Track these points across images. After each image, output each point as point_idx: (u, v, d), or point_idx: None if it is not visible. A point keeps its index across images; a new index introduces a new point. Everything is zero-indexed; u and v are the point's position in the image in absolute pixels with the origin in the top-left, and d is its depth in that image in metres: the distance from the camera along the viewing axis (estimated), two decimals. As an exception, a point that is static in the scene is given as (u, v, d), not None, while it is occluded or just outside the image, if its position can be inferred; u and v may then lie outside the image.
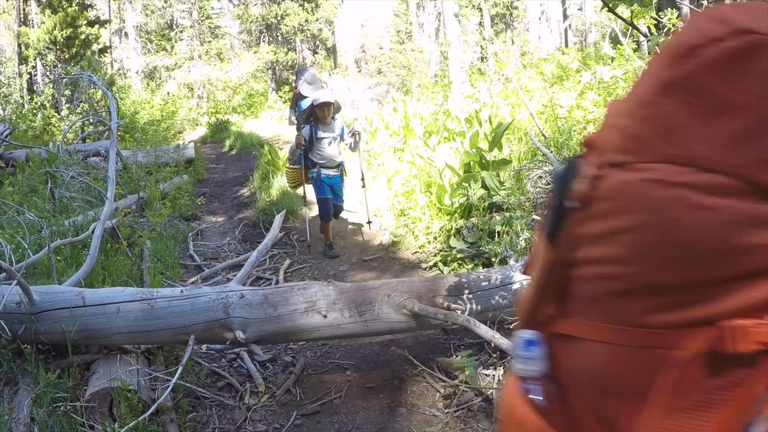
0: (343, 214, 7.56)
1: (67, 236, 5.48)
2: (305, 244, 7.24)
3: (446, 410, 3.69)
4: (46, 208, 6.56)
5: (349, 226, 8.01)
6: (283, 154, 11.79)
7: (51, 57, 17.51)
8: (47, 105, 15.25)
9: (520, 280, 3.99)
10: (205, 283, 5.88)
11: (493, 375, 4.00)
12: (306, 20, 31.31)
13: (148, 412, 3.25)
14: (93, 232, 5.20)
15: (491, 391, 3.76)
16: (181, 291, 3.88)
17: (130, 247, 6.11)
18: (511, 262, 4.84)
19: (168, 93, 25.53)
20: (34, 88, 18.03)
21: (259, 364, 4.44)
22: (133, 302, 3.75)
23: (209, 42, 29.90)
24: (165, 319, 3.72)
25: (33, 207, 6.38)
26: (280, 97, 27.91)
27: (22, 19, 18.92)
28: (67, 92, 13.67)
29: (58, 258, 5.16)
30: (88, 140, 11.16)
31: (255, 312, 3.76)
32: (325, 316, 3.80)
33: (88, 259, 4.62)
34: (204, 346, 4.53)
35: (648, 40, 2.21)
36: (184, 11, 30.92)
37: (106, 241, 5.84)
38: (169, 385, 3.46)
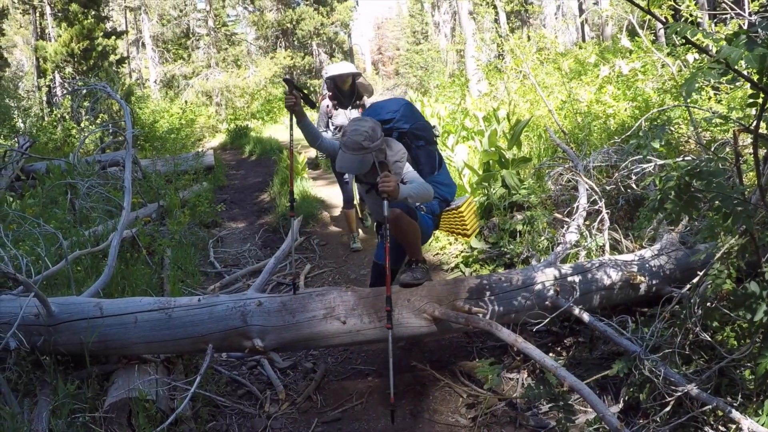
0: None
1: (87, 246, 5.48)
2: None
3: (469, 416, 3.61)
4: (66, 219, 6.58)
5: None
6: (302, 158, 11.79)
7: (69, 69, 17.67)
8: (67, 117, 15.38)
9: (542, 280, 3.90)
10: (224, 291, 5.85)
11: (517, 379, 3.92)
12: (321, 24, 31.41)
13: (167, 422, 3.21)
14: (111, 242, 5.19)
15: (515, 395, 3.69)
16: (199, 300, 3.84)
17: (150, 256, 6.11)
18: (534, 262, 4.75)
19: (186, 101, 25.66)
20: (53, 100, 18.21)
21: (280, 371, 4.39)
22: (151, 312, 3.72)
23: (226, 49, 30.03)
24: (183, 329, 3.69)
25: (53, 218, 6.40)
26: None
27: (39, 33, 19.15)
28: (86, 104, 13.77)
29: (78, 268, 5.16)
30: (107, 150, 11.23)
31: (273, 319, 3.72)
32: (344, 323, 3.74)
33: (106, 270, 4.61)
34: (224, 354, 4.50)
35: (665, 29, 2.12)
36: (199, 20, 31.07)
37: (126, 251, 5.84)
38: (187, 395, 3.42)
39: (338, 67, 6.51)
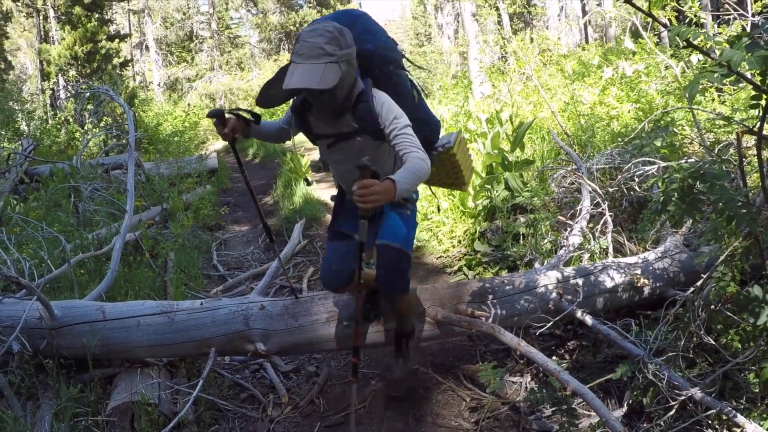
0: None
1: (90, 250, 5.49)
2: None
3: (472, 420, 3.61)
4: (69, 222, 6.59)
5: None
6: (305, 160, 11.78)
7: (72, 72, 17.70)
8: (70, 120, 15.40)
9: (545, 284, 3.89)
10: (227, 294, 5.85)
11: (520, 382, 3.91)
12: (325, 26, 31.39)
13: (169, 426, 3.20)
14: (114, 245, 5.19)
15: (519, 399, 3.68)
16: (201, 303, 3.84)
17: (153, 259, 6.11)
18: (537, 265, 4.74)
19: (189, 104, 25.69)
20: (57, 103, 18.25)
21: (283, 374, 4.39)
22: (153, 315, 3.72)
23: (229, 52, 30.12)
24: (185, 332, 3.69)
25: (57, 221, 6.41)
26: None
27: (43, 36, 19.18)
28: (89, 107, 13.79)
29: (81, 272, 5.17)
30: (110, 153, 11.24)
31: (276, 323, 3.71)
32: (347, 326, 3.73)
33: (109, 273, 4.61)
34: (227, 358, 4.50)
35: (668, 31, 2.11)
36: (203, 22, 31.17)
37: (130, 254, 5.84)
38: (189, 399, 3.41)
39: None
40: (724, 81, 2.09)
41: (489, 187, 6.39)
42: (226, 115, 3.27)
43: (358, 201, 2.45)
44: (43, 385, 3.62)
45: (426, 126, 3.29)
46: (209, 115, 3.26)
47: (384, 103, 2.88)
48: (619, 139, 6.16)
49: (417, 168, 2.69)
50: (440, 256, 6.50)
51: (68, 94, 17.42)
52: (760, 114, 2.29)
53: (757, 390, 2.91)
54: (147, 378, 3.68)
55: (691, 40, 2.04)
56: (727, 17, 7.06)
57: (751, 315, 2.60)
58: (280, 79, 2.75)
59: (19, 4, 19.86)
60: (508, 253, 5.49)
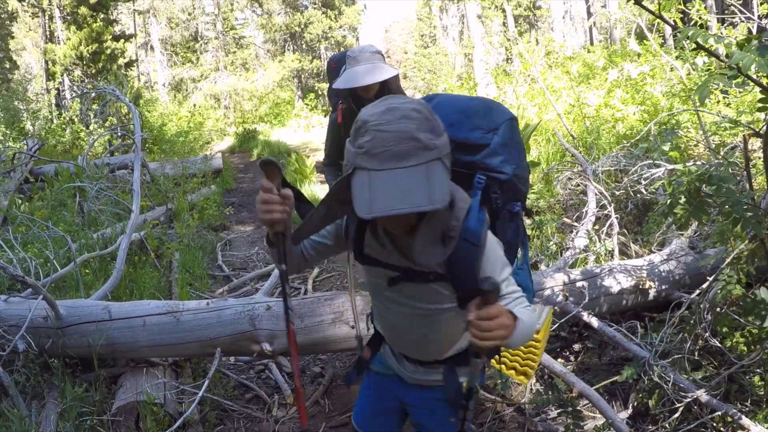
0: None
1: (95, 249, 5.50)
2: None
3: (478, 421, 3.60)
4: (75, 222, 6.61)
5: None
6: (310, 161, 11.79)
7: (78, 72, 17.75)
8: (75, 120, 15.45)
9: (551, 285, 3.89)
10: (232, 294, 5.85)
11: (526, 384, 3.90)
12: (330, 27, 31.48)
13: (175, 426, 3.21)
14: (119, 245, 5.20)
15: (524, 400, 3.67)
16: (207, 303, 3.84)
17: (158, 259, 6.12)
18: (542, 267, 4.74)
19: (194, 104, 25.74)
20: (62, 103, 18.30)
21: (288, 375, 4.39)
22: (159, 315, 3.73)
23: (234, 52, 30.13)
24: (191, 332, 3.69)
25: (62, 221, 6.43)
26: (306, 104, 28.02)
27: (48, 36, 19.22)
28: (95, 106, 13.83)
29: (87, 271, 5.18)
30: (116, 153, 11.27)
31: (281, 324, 3.71)
32: (352, 327, 3.73)
33: (115, 273, 4.63)
34: (232, 358, 4.50)
35: (675, 33, 2.11)
36: (208, 23, 31.20)
37: (135, 254, 5.85)
38: (195, 399, 3.42)
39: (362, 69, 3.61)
40: (731, 83, 2.09)
41: (494, 188, 6.37)
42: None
43: (475, 336, 1.50)
44: (48, 385, 3.63)
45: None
46: (263, 163, 1.67)
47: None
48: (625, 142, 6.16)
49: (528, 321, 1.70)
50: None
51: (73, 94, 17.45)
52: (767, 117, 2.29)
53: (762, 392, 2.91)
54: (152, 378, 3.68)
55: (700, 42, 2.04)
56: (732, 19, 7.05)
57: (757, 318, 2.60)
58: (337, 196, 1.70)
59: (25, 4, 19.91)
60: (514, 254, 5.48)
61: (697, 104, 4.98)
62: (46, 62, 18.60)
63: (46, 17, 19.33)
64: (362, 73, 3.56)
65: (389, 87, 3.70)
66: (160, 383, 3.64)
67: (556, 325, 3.60)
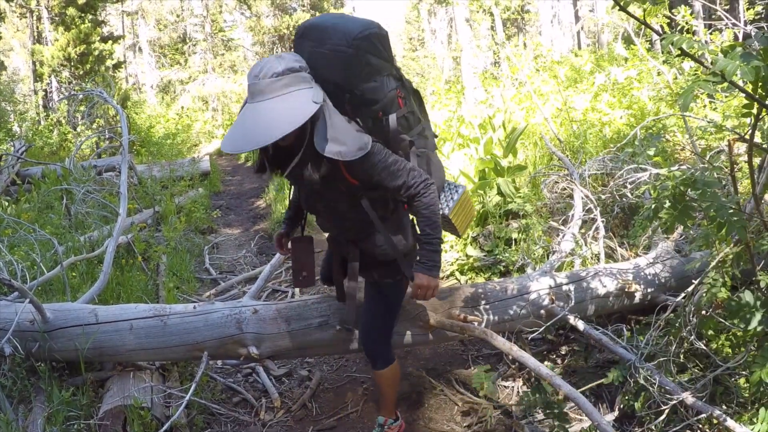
0: None
1: (82, 252, 5.47)
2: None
3: (464, 424, 3.62)
4: (62, 225, 6.57)
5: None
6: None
7: (65, 74, 17.64)
8: (63, 121, 15.35)
9: (537, 289, 3.90)
10: (219, 298, 5.84)
11: (512, 387, 3.92)
12: (318, 30, 31.37)
13: (162, 430, 3.20)
14: (107, 248, 5.18)
15: (511, 403, 3.69)
16: (194, 307, 3.83)
17: (145, 262, 6.09)
18: (529, 270, 4.76)
19: (182, 107, 25.65)
20: (50, 104, 18.18)
21: (275, 378, 4.39)
22: (146, 319, 3.71)
23: (222, 55, 30.04)
24: (178, 336, 3.68)
25: (49, 224, 6.39)
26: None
27: (36, 37, 19.09)
28: (82, 108, 13.75)
29: (74, 274, 5.15)
30: (103, 155, 11.22)
31: (268, 327, 3.71)
32: (339, 330, 3.73)
33: (102, 276, 4.60)
34: (219, 362, 4.49)
35: (661, 39, 2.14)
36: (196, 25, 31.11)
37: (122, 257, 5.83)
38: (182, 402, 3.41)
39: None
40: (716, 89, 2.11)
41: (482, 192, 6.41)
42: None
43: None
44: (35, 388, 3.61)
45: None
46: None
47: None
48: (611, 146, 6.19)
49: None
50: (433, 261, 6.50)
51: (61, 96, 17.34)
52: (752, 122, 2.32)
53: (747, 394, 2.93)
54: (139, 381, 3.67)
55: (685, 48, 2.06)
56: (718, 25, 7.11)
57: (742, 321, 2.62)
58: None
59: (13, 4, 19.76)
60: (501, 258, 5.51)
61: (684, 110, 5.02)
62: (34, 63, 18.47)
63: (34, 18, 19.19)
64: (240, 130, 2.62)
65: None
66: (147, 387, 3.63)
67: (542, 328, 3.61)
